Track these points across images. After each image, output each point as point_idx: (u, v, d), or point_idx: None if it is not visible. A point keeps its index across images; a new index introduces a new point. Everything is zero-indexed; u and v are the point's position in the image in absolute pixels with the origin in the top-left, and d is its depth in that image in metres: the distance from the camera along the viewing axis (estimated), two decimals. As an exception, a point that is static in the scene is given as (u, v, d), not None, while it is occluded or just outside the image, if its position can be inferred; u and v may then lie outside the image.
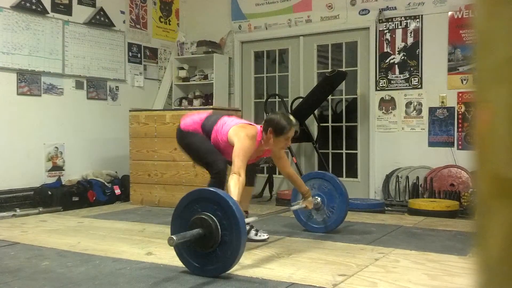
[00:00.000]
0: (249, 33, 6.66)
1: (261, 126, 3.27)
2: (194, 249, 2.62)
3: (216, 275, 2.61)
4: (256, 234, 3.47)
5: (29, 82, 5.32)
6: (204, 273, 2.63)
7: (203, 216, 2.56)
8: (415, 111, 5.60)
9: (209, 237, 2.54)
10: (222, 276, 2.64)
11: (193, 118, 3.42)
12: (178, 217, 2.72)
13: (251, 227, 3.47)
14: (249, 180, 3.43)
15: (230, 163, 3.38)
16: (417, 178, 5.27)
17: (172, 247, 2.61)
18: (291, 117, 3.38)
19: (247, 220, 2.75)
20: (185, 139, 3.38)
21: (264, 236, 3.48)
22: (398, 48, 5.68)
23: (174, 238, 2.49)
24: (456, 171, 5.16)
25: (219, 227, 2.54)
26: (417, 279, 2.56)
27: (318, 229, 3.80)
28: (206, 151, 3.24)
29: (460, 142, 5.36)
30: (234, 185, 2.88)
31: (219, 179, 3.22)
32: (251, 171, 3.44)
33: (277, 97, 6.28)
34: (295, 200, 3.80)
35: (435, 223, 4.12)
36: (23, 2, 5.22)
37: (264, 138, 3.24)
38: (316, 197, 3.75)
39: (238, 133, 3.13)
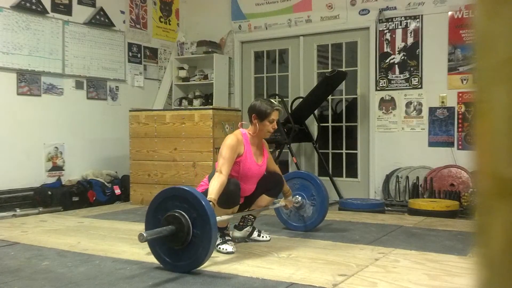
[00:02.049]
0: (249, 33, 6.66)
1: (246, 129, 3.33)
2: (167, 245, 2.66)
3: (187, 270, 2.66)
4: (259, 235, 3.49)
5: (29, 82, 5.32)
6: (176, 268, 2.69)
7: (175, 214, 2.61)
8: (415, 111, 5.60)
9: (180, 233, 2.58)
10: (221, 276, 2.64)
11: (201, 183, 3.40)
12: (152, 214, 2.77)
13: (254, 228, 3.50)
14: (274, 191, 3.48)
15: (270, 179, 3.43)
16: (417, 178, 5.27)
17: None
18: (272, 100, 3.45)
19: (218, 219, 2.78)
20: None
21: (267, 237, 3.50)
22: (398, 48, 5.68)
23: (144, 234, 2.55)
24: (456, 171, 5.16)
25: (190, 224, 2.58)
26: (417, 279, 2.56)
27: (297, 228, 3.84)
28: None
29: (460, 142, 5.36)
30: (214, 181, 2.95)
31: (229, 200, 3.16)
32: (277, 181, 3.47)
33: (277, 97, 6.28)
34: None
35: (435, 223, 4.12)
36: (23, 2, 5.22)
37: (251, 130, 3.28)
38: (297, 196, 3.77)
39: (219, 152, 3.19)
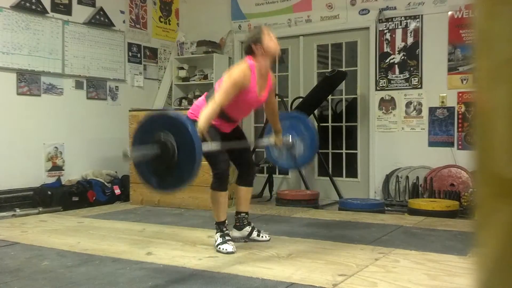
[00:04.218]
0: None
1: (249, 58, 3.23)
2: (153, 167, 2.65)
3: (173, 191, 2.78)
4: (258, 235, 3.48)
5: (29, 82, 5.32)
6: (162, 189, 2.75)
7: (160, 135, 2.59)
8: (415, 111, 5.60)
9: (165, 155, 2.56)
10: (221, 276, 2.64)
11: (197, 103, 3.35)
12: (139, 135, 2.74)
13: (253, 228, 3.49)
14: (247, 180, 3.44)
15: (235, 163, 3.39)
16: (417, 178, 5.27)
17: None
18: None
19: (207, 146, 2.79)
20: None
21: (267, 237, 3.48)
22: (398, 48, 5.68)
23: (128, 152, 2.55)
24: (456, 171, 5.16)
25: (175, 146, 2.56)
26: (417, 279, 2.56)
27: (286, 166, 3.90)
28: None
29: (460, 142, 5.36)
30: (207, 108, 2.95)
31: (220, 180, 3.21)
32: (248, 171, 3.43)
33: (277, 97, 6.26)
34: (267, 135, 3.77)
35: (435, 223, 4.11)
36: (23, 2, 5.22)
37: (257, 60, 3.18)
38: (288, 134, 3.69)
39: (223, 80, 3.13)
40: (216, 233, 3.27)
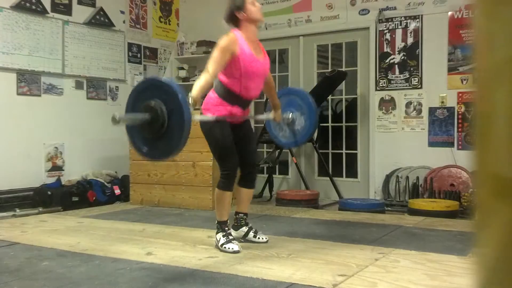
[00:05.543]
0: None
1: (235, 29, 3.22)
2: (143, 134, 2.66)
3: (162, 159, 2.77)
4: (254, 236, 3.44)
5: (29, 82, 5.32)
6: (152, 156, 2.74)
7: (151, 102, 2.58)
8: (415, 111, 5.60)
9: (155, 121, 2.56)
10: (221, 276, 2.64)
11: (206, 99, 3.34)
12: (132, 101, 2.74)
13: (250, 228, 3.46)
14: (250, 182, 3.42)
15: (243, 164, 3.36)
16: (417, 178, 5.27)
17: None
18: None
19: (199, 117, 2.82)
20: (204, 126, 3.26)
21: (263, 238, 3.44)
22: (398, 48, 5.68)
23: (117, 116, 2.52)
24: (456, 171, 5.16)
25: (165, 113, 2.56)
26: (417, 279, 2.56)
27: (288, 144, 3.93)
28: (222, 147, 3.18)
29: (460, 142, 5.36)
30: (199, 80, 2.97)
31: (228, 179, 3.20)
32: (251, 173, 3.41)
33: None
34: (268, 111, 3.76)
35: (435, 223, 4.11)
36: (23, 2, 5.22)
37: (243, 28, 3.18)
38: (288, 112, 3.68)
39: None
40: (218, 233, 3.26)
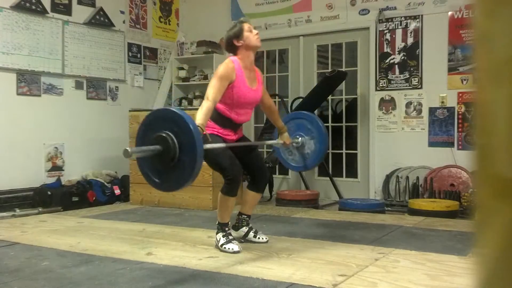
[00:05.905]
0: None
1: (233, 55, 3.28)
2: (154, 166, 2.67)
3: (170, 191, 2.82)
4: (255, 236, 3.45)
5: (29, 82, 5.32)
6: (163, 188, 2.74)
7: (162, 134, 2.59)
8: (415, 111, 5.60)
9: (166, 153, 2.56)
10: (221, 276, 2.64)
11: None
12: (142, 133, 2.75)
13: (250, 228, 3.47)
14: (259, 187, 3.41)
15: (248, 170, 3.37)
16: (417, 178, 5.27)
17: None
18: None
19: (208, 146, 2.80)
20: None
21: (263, 238, 3.44)
22: (398, 48, 5.68)
23: (129, 149, 2.54)
24: (456, 171, 5.16)
25: (176, 144, 2.56)
26: (417, 279, 2.56)
27: (297, 168, 3.94)
28: (223, 156, 3.17)
29: (460, 142, 5.36)
30: (201, 108, 2.97)
31: (232, 185, 3.17)
32: (263, 177, 3.41)
33: (277, 97, 6.28)
34: (277, 138, 3.74)
35: (435, 223, 4.11)
36: (22, 2, 5.22)
37: (240, 55, 3.23)
38: (298, 137, 3.69)
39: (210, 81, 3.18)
40: (218, 233, 3.27)
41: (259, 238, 3.45)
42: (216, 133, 3.20)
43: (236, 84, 3.15)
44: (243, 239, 3.43)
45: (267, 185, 6.02)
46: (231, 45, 3.25)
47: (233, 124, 3.28)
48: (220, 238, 3.22)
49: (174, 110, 2.73)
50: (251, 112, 3.39)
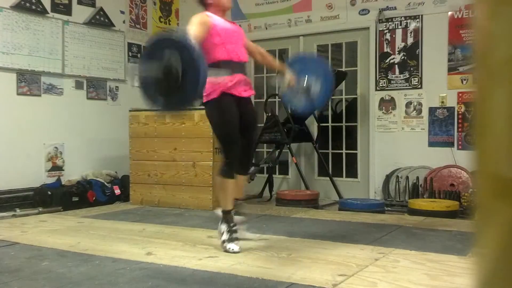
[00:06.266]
0: (249, 33, 6.65)
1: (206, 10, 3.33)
2: (158, 87, 2.66)
3: (179, 108, 2.85)
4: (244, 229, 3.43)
5: (29, 82, 5.32)
6: (168, 107, 2.77)
7: (167, 56, 2.59)
8: (415, 111, 5.60)
9: (170, 74, 2.57)
10: (221, 276, 2.64)
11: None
12: (146, 57, 2.77)
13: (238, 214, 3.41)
14: (244, 170, 3.42)
15: (243, 156, 3.35)
16: (417, 178, 5.27)
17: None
18: None
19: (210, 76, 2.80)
20: (206, 108, 3.27)
21: (253, 236, 3.45)
22: (398, 48, 5.68)
23: (134, 66, 2.59)
24: (456, 171, 5.16)
25: (181, 66, 2.56)
26: (417, 279, 2.56)
27: (305, 109, 3.87)
28: (226, 135, 3.19)
29: (460, 142, 5.36)
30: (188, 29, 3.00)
31: (230, 167, 3.20)
32: (248, 163, 3.42)
33: (277, 97, 6.28)
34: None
35: (435, 223, 4.11)
36: (23, 2, 5.22)
37: (211, 12, 3.28)
38: (303, 77, 3.60)
39: None
40: (222, 223, 3.22)
41: (252, 235, 3.46)
42: (225, 89, 3.15)
43: (215, 24, 3.19)
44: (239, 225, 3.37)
45: (267, 185, 6.03)
46: (202, 1, 3.33)
47: (237, 65, 3.22)
48: (224, 232, 3.19)
49: (177, 33, 2.79)
50: (245, 50, 3.34)
